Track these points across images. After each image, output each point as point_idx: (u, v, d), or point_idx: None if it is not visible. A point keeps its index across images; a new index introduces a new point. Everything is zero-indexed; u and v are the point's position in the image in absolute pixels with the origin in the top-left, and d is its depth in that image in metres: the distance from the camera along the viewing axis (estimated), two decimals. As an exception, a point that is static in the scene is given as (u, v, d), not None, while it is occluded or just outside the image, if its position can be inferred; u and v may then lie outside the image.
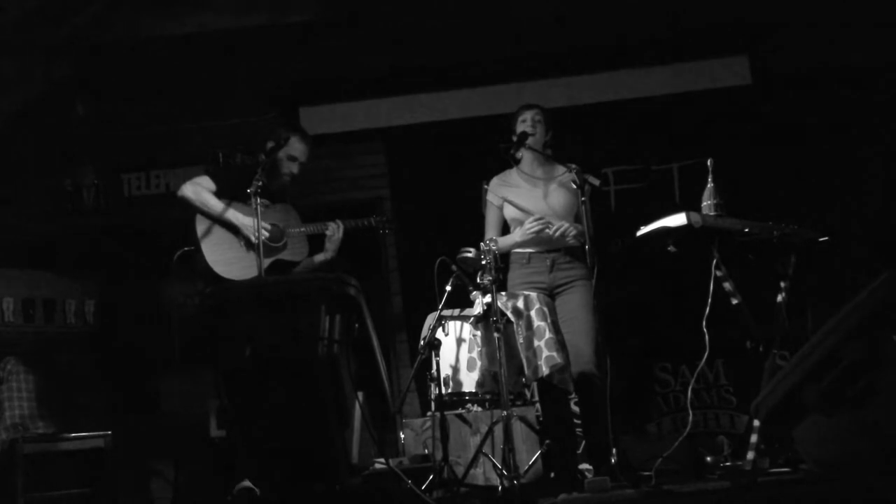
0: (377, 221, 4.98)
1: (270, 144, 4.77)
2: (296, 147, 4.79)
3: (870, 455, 3.42)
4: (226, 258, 4.58)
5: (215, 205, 4.63)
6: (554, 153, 4.71)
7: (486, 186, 4.83)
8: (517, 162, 4.77)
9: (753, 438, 3.99)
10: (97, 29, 5.82)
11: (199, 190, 4.65)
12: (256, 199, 4.43)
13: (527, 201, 4.69)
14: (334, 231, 4.81)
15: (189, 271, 4.72)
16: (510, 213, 4.73)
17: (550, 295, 4.62)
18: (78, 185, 6.37)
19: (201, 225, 4.62)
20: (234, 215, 4.62)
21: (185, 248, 4.67)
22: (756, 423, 3.95)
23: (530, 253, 4.67)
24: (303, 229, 4.79)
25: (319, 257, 4.82)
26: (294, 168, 4.79)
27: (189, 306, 5.89)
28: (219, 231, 4.62)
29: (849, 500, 3.14)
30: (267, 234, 4.57)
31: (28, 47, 5.74)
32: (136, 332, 5.90)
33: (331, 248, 4.81)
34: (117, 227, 6.26)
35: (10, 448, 4.83)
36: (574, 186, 4.39)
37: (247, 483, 4.04)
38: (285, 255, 4.71)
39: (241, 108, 6.32)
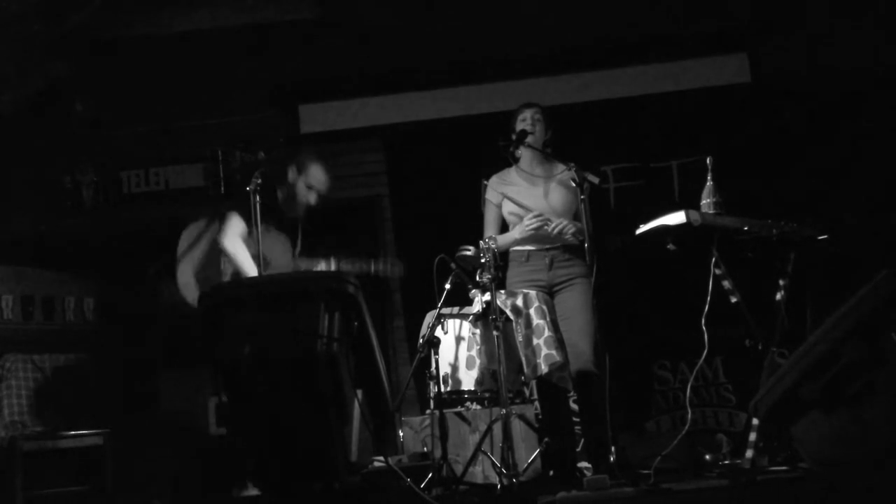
0: (379, 268, 4.90)
1: (292, 173, 4.70)
2: (316, 177, 4.71)
3: (868, 453, 3.43)
4: (197, 280, 4.55)
5: (242, 262, 4.55)
6: (553, 151, 4.71)
7: (485, 184, 4.83)
8: (517, 160, 4.77)
9: (752, 436, 3.99)
10: (96, 26, 5.82)
11: (236, 244, 4.55)
12: (255, 197, 4.42)
13: (526, 199, 4.68)
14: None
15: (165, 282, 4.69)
16: (509, 210, 4.73)
17: (549, 293, 4.62)
18: (77, 183, 6.36)
19: (185, 241, 4.58)
20: (244, 260, 4.55)
21: (159, 263, 4.61)
22: (755, 421, 3.96)
23: (529, 251, 4.66)
24: (294, 263, 4.74)
25: None
26: (312, 198, 4.72)
27: (188, 304, 5.89)
28: (201, 253, 4.57)
29: (847, 499, 3.14)
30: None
31: (27, 45, 5.74)
32: (135, 330, 5.90)
33: None
34: (116, 225, 6.25)
35: (9, 445, 4.83)
36: (573, 184, 4.38)
37: (249, 491, 4.03)
38: None
39: (241, 105, 6.32)
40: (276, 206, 4.68)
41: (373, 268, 4.86)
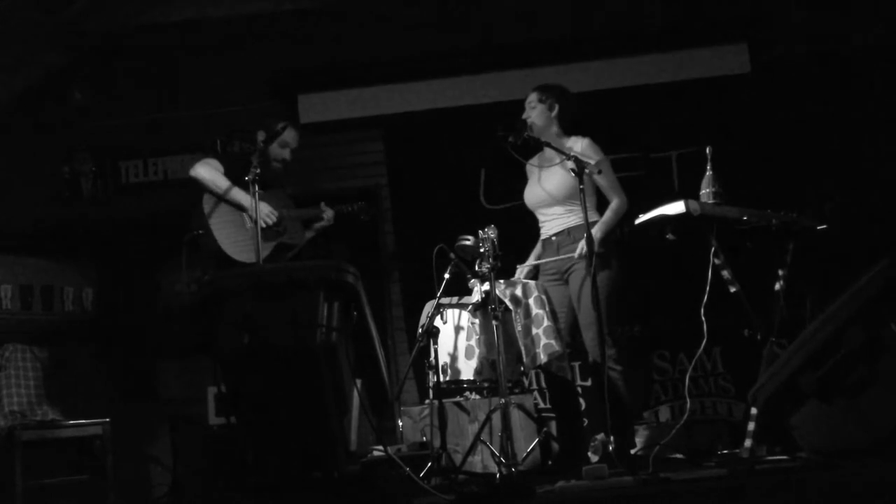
0: (358, 208, 5.15)
1: (262, 135, 4.84)
2: (287, 134, 4.86)
3: (866, 443, 3.43)
4: (234, 240, 4.62)
5: (226, 185, 4.69)
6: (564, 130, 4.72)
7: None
8: (515, 150, 4.70)
9: (751, 426, 4.00)
10: (94, 16, 5.81)
11: (212, 170, 4.72)
12: (255, 186, 4.45)
13: (532, 187, 4.70)
14: (330, 218, 4.98)
15: (198, 257, 4.75)
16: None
17: (564, 280, 4.59)
18: (76, 173, 6.36)
19: (208, 206, 4.66)
20: (244, 195, 4.67)
21: (195, 232, 4.68)
22: (753, 410, 3.97)
23: (543, 239, 4.68)
24: (300, 213, 4.89)
25: (308, 234, 4.97)
26: (286, 154, 4.87)
27: (187, 294, 5.89)
28: (225, 213, 4.67)
29: (845, 488, 3.14)
30: (275, 219, 4.63)
31: (25, 35, 5.73)
32: (135, 320, 5.90)
33: (319, 229, 4.98)
34: (115, 214, 6.25)
35: (9, 435, 4.83)
36: (573, 175, 4.37)
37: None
38: (286, 239, 4.77)
39: (240, 95, 6.30)
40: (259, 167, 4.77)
41: (355, 208, 5.13)
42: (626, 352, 4.56)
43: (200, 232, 4.64)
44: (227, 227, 4.65)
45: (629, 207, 4.54)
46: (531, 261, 4.73)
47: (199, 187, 4.69)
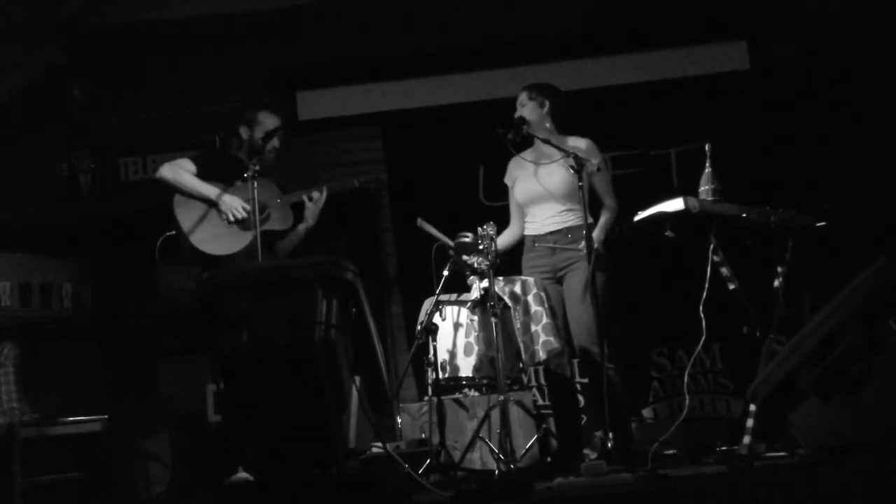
0: (363, 182, 4.98)
1: (246, 130, 4.82)
2: (268, 121, 4.83)
3: (865, 440, 3.43)
4: (211, 235, 4.61)
5: (193, 183, 4.68)
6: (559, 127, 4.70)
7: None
8: (514, 147, 4.70)
9: (750, 423, 4.00)
10: (93, 12, 5.81)
11: (177, 170, 4.71)
12: (254, 183, 4.43)
13: (526, 182, 4.69)
14: (318, 198, 4.82)
15: (175, 258, 4.74)
16: (515, 196, 4.75)
17: (556, 279, 4.59)
18: (75, 170, 6.35)
19: (180, 207, 4.65)
20: (211, 191, 4.66)
21: (167, 234, 4.69)
22: (752, 407, 3.97)
23: (534, 236, 4.67)
24: (285, 198, 4.81)
25: (302, 227, 4.84)
26: (276, 142, 4.82)
27: (186, 291, 5.89)
28: (198, 210, 4.65)
29: (844, 484, 3.14)
30: (246, 214, 4.59)
31: (24, 31, 5.72)
32: (134, 317, 5.90)
33: (310, 215, 4.81)
34: (114, 212, 6.24)
35: (7, 432, 4.83)
36: (573, 172, 4.36)
37: (241, 475, 4.06)
38: (271, 226, 4.72)
39: (239, 92, 6.29)
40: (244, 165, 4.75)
41: (357, 183, 4.97)
42: (620, 350, 4.58)
43: (173, 234, 4.65)
44: (203, 224, 4.64)
45: (629, 205, 4.55)
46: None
47: (169, 189, 4.69)
